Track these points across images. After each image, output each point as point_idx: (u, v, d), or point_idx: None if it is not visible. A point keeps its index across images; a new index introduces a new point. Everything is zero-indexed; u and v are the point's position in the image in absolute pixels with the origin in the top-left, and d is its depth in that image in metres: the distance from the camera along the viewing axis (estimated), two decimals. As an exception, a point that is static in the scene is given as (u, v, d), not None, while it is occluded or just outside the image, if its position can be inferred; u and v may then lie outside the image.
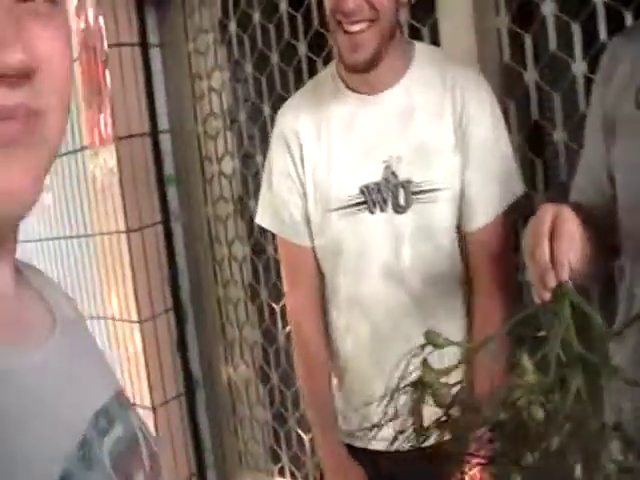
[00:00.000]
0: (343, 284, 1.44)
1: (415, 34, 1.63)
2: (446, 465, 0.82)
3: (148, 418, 2.29)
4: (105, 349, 2.38)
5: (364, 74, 1.33)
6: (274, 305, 2.14)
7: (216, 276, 2.37)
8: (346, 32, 1.26)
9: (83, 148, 2.33)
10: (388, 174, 1.36)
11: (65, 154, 2.41)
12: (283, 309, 1.92)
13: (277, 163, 1.47)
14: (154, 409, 2.30)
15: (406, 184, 1.35)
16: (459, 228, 1.38)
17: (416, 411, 0.82)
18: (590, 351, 0.79)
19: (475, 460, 0.82)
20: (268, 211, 1.51)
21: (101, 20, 2.16)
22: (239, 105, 2.24)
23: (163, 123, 2.32)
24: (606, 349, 0.78)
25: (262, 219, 1.54)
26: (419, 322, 1.33)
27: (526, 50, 1.52)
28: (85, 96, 2.26)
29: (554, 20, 1.47)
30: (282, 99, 1.54)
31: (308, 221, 1.45)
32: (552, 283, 0.89)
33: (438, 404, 0.81)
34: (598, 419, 0.73)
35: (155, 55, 2.30)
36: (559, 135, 1.51)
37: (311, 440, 2.02)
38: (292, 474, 2.24)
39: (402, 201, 1.35)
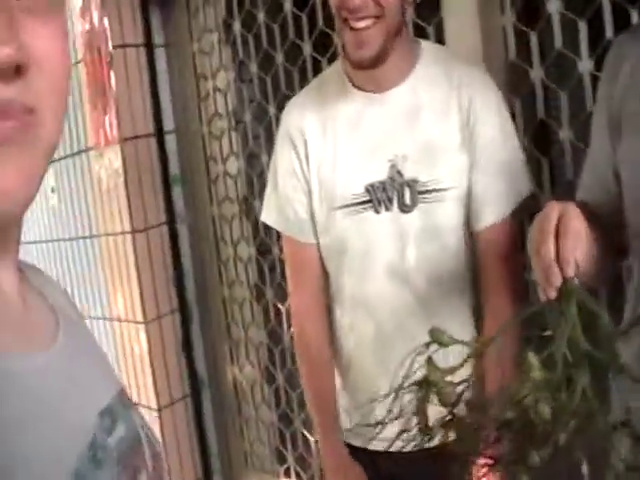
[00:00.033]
0: (347, 283, 1.43)
1: (420, 33, 1.62)
2: (451, 466, 0.81)
3: (154, 419, 2.29)
4: (111, 350, 2.38)
5: (370, 71, 1.33)
6: (280, 305, 2.14)
7: (221, 276, 2.37)
8: (351, 29, 1.26)
9: (88, 149, 2.33)
10: (394, 173, 1.35)
11: (70, 155, 2.42)
12: (289, 309, 1.91)
13: (282, 160, 1.47)
14: (160, 410, 2.30)
15: (412, 183, 1.34)
16: (467, 227, 1.37)
17: (421, 410, 0.82)
18: (597, 349, 0.78)
19: (482, 460, 0.81)
20: (273, 209, 1.51)
21: (106, 21, 2.16)
22: (244, 105, 2.23)
23: (168, 124, 2.32)
24: (613, 347, 0.77)
25: (267, 217, 1.53)
26: (424, 322, 1.32)
27: (532, 48, 1.51)
28: (90, 97, 2.26)
29: (560, 18, 1.46)
30: (287, 99, 1.53)
31: (313, 219, 1.44)
32: (558, 280, 0.88)
33: (443, 403, 0.80)
34: (605, 417, 0.72)
35: (160, 55, 2.30)
36: (565, 134, 1.50)
37: (317, 441, 2.01)
38: (298, 475, 2.23)
39: (408, 200, 1.35)
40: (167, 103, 2.32)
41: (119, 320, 2.35)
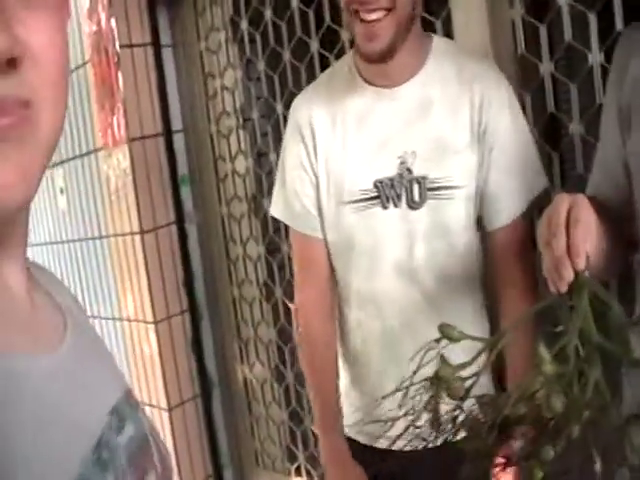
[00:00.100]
0: (355, 280, 1.42)
1: (428, 26, 1.61)
2: (459, 464, 0.80)
3: (164, 419, 2.29)
4: (120, 350, 2.39)
5: (380, 65, 1.31)
6: (289, 304, 2.13)
7: (231, 276, 2.37)
8: (362, 21, 1.24)
9: (97, 150, 2.33)
10: (403, 170, 1.34)
11: (79, 156, 2.42)
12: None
13: (291, 154, 1.46)
14: (170, 410, 2.30)
15: (421, 180, 1.33)
16: (475, 225, 1.36)
17: (433, 408, 0.81)
18: (609, 342, 0.77)
19: (500, 459, 0.81)
20: (281, 202, 1.50)
21: (113, 22, 2.16)
22: (252, 103, 2.23)
23: (176, 123, 2.32)
24: (626, 339, 0.76)
25: (275, 210, 1.53)
26: (431, 319, 1.31)
27: (541, 41, 1.50)
28: (98, 98, 2.26)
29: (569, 10, 1.45)
30: (295, 96, 1.52)
31: (321, 213, 1.43)
32: (569, 274, 0.87)
33: (451, 397, 0.79)
34: (618, 410, 0.71)
35: (167, 55, 2.30)
36: (575, 127, 1.48)
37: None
38: (309, 473, 2.23)
39: (417, 197, 1.34)
40: (175, 102, 2.32)
41: (129, 320, 2.35)
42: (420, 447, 0.85)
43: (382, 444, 1.37)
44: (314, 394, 1.52)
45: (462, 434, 0.82)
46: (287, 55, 2.03)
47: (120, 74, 2.18)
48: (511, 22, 1.55)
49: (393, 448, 0.99)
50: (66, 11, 0.54)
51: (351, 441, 1.51)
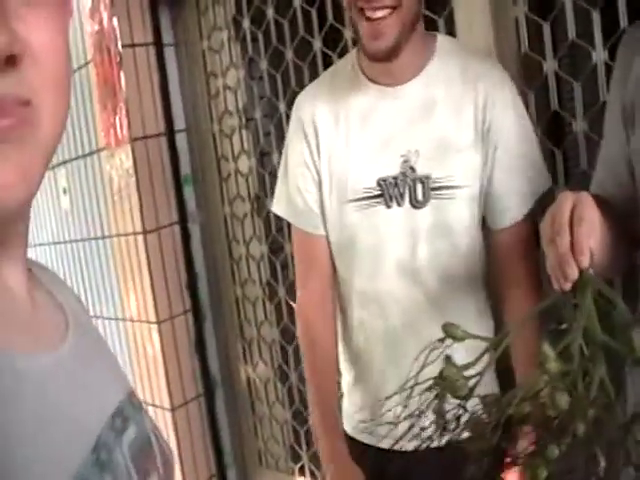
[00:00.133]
0: (357, 279, 1.42)
1: (431, 25, 1.60)
2: (463, 464, 0.80)
3: (167, 419, 2.29)
4: (123, 350, 2.38)
5: (385, 64, 1.31)
6: (292, 303, 2.13)
7: (234, 275, 2.37)
8: (367, 19, 1.24)
9: (99, 150, 2.33)
10: (406, 168, 1.34)
11: (82, 156, 2.42)
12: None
13: (293, 151, 1.46)
14: (173, 410, 2.29)
15: (425, 179, 1.33)
16: (479, 225, 1.36)
17: (439, 408, 0.80)
18: (613, 340, 0.77)
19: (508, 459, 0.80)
20: (283, 199, 1.50)
21: (115, 21, 2.16)
22: (254, 102, 2.23)
23: (179, 123, 2.32)
24: (630, 336, 0.76)
25: (277, 207, 1.52)
26: (434, 319, 1.31)
27: (545, 39, 1.49)
28: (100, 98, 2.26)
29: (573, 8, 1.44)
30: (297, 95, 1.52)
31: (323, 211, 1.43)
32: (573, 272, 0.87)
33: (455, 396, 0.79)
34: (624, 408, 0.71)
35: (169, 54, 2.30)
36: (579, 125, 1.48)
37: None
38: (312, 473, 2.23)
39: (420, 196, 1.33)
40: (177, 102, 2.31)
41: (132, 320, 2.35)
42: (424, 447, 0.85)
43: (386, 444, 1.37)
44: (314, 393, 1.51)
45: (466, 434, 0.82)
46: (290, 54, 2.03)
47: (122, 74, 2.17)
48: (514, 20, 1.54)
49: (396, 448, 0.99)
50: (68, 9, 0.54)
51: (353, 441, 1.51)
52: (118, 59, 2.18)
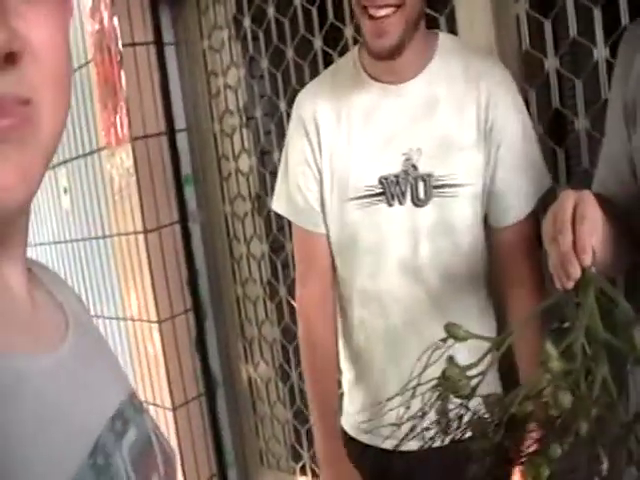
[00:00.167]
0: (358, 278, 1.41)
1: (432, 23, 1.60)
2: (465, 463, 0.80)
3: (169, 419, 2.29)
4: (124, 350, 2.38)
5: (388, 62, 1.31)
6: (293, 302, 2.12)
7: (235, 274, 2.36)
8: (371, 17, 1.24)
9: (100, 149, 2.33)
10: (408, 166, 1.33)
11: (82, 156, 2.42)
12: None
13: (294, 148, 1.45)
14: (174, 410, 2.29)
15: (427, 177, 1.32)
16: (481, 224, 1.36)
17: (442, 409, 0.80)
18: (615, 338, 0.76)
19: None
20: (283, 197, 1.49)
21: (115, 20, 2.16)
22: (255, 101, 2.22)
23: (179, 122, 2.31)
24: (633, 334, 0.75)
25: (277, 205, 1.52)
26: (435, 318, 1.31)
27: (546, 36, 1.49)
28: (101, 97, 2.26)
29: (574, 5, 1.44)
30: (298, 94, 1.51)
31: (323, 209, 1.42)
32: (576, 270, 0.86)
33: (457, 395, 0.79)
34: (626, 407, 0.71)
35: (170, 54, 2.29)
36: (581, 123, 1.47)
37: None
38: (314, 472, 2.22)
39: (422, 194, 1.33)
40: (178, 101, 2.31)
41: (132, 320, 2.35)
42: (426, 447, 0.84)
43: (388, 444, 1.37)
44: (313, 394, 1.50)
45: (469, 434, 0.82)
46: (290, 53, 2.02)
47: (123, 73, 2.17)
48: (516, 17, 1.54)
49: (399, 449, 0.98)
50: (68, 7, 0.53)
51: (353, 441, 1.50)
52: (119, 58, 2.17)
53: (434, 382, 0.80)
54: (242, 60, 2.22)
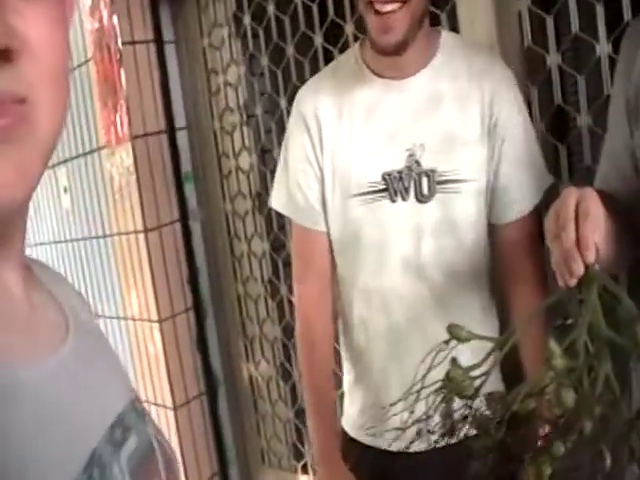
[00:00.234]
0: (361, 275, 1.40)
1: (433, 19, 1.59)
2: (467, 463, 0.79)
3: (170, 418, 2.29)
4: (125, 349, 2.38)
5: (392, 58, 1.30)
6: (294, 301, 2.12)
7: (235, 273, 2.36)
8: (377, 12, 1.23)
9: (100, 148, 2.33)
10: (412, 162, 1.33)
11: (82, 154, 2.42)
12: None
13: (294, 145, 1.44)
14: (175, 409, 2.29)
15: (430, 173, 1.32)
16: (484, 221, 1.36)
17: (446, 411, 0.80)
18: (619, 335, 0.76)
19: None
20: (283, 194, 1.48)
21: (115, 19, 2.15)
22: (255, 99, 2.22)
23: (179, 120, 2.31)
24: (635, 331, 0.75)
25: (276, 203, 1.50)
26: (438, 316, 1.31)
27: (548, 33, 1.48)
28: (100, 95, 2.26)
29: (576, 1, 1.43)
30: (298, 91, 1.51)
31: (324, 207, 1.41)
32: (579, 267, 0.86)
33: (461, 396, 0.78)
34: (629, 404, 0.70)
35: (170, 51, 2.29)
36: (583, 119, 1.47)
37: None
38: (315, 471, 2.21)
39: (425, 190, 1.32)
40: (178, 99, 2.31)
41: (133, 319, 2.35)
42: (429, 448, 0.84)
43: (389, 445, 1.36)
44: (310, 394, 1.49)
45: (471, 432, 0.81)
46: (291, 50, 2.02)
47: (123, 71, 2.17)
48: (517, 14, 1.53)
49: (402, 449, 0.98)
50: (69, 5, 0.53)
51: (353, 441, 1.49)
52: (118, 56, 2.17)
53: (438, 384, 0.80)
54: (242, 57, 2.22)
